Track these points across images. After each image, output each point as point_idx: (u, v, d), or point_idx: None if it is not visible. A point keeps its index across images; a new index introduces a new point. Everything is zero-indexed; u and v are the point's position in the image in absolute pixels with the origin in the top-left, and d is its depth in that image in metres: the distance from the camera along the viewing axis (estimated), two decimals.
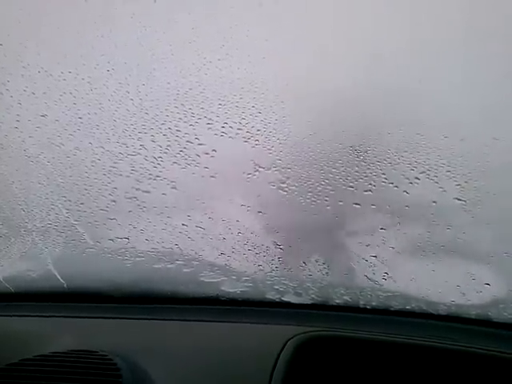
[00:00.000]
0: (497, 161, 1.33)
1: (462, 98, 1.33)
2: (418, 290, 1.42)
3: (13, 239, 1.54)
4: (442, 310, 1.41)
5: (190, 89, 1.35)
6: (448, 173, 1.34)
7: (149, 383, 1.13)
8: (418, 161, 1.35)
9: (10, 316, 1.47)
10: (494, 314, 1.38)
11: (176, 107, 1.37)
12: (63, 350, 1.20)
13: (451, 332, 1.36)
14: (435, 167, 1.34)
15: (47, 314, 1.47)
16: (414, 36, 1.32)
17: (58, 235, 1.51)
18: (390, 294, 1.44)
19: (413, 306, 1.42)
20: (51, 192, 1.47)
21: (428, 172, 1.35)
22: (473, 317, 1.39)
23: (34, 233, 1.51)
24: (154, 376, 1.15)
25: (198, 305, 1.51)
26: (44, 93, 1.38)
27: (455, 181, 1.34)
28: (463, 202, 1.35)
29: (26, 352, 1.18)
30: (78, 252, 1.53)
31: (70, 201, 1.48)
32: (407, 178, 1.37)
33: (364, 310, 1.45)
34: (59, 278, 1.51)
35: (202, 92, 1.36)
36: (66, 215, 1.49)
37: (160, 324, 1.42)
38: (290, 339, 1.28)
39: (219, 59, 1.33)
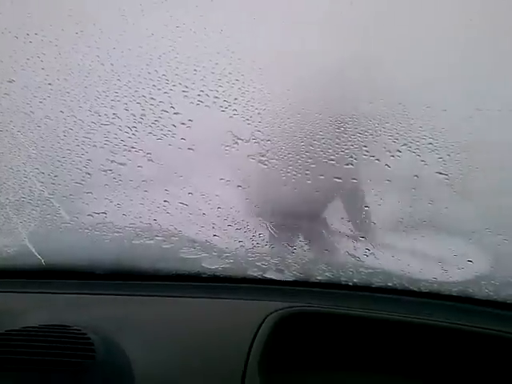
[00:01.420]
0: (480, 133, 1.31)
1: (445, 68, 1.30)
2: (399, 267, 1.42)
3: None
4: (424, 287, 1.40)
5: (164, 53, 1.30)
6: (430, 145, 1.31)
7: (123, 357, 1.12)
8: (400, 132, 1.32)
9: None
10: (475, 291, 1.37)
11: (149, 73, 1.32)
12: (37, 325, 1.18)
13: (433, 309, 1.36)
14: (417, 139, 1.32)
15: (24, 290, 1.45)
16: (397, 6, 1.28)
17: (32, 209, 1.48)
18: (371, 270, 1.44)
19: (394, 282, 1.42)
20: (23, 164, 1.43)
21: (410, 144, 1.33)
22: (454, 294, 1.39)
23: (7, 207, 1.48)
24: (130, 351, 1.14)
25: (179, 281, 1.50)
26: (10, 56, 1.32)
27: (437, 154, 1.32)
28: (445, 176, 1.33)
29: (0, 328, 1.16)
30: (54, 227, 1.50)
31: (43, 173, 1.44)
32: (389, 151, 1.34)
33: (345, 287, 1.44)
34: (36, 254, 1.48)
35: (175, 57, 1.30)
36: (40, 188, 1.45)
37: (139, 300, 1.41)
38: (269, 314, 1.28)
39: (193, 21, 1.28)
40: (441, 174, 1.33)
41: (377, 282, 1.42)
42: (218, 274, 1.48)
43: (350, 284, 1.44)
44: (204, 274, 1.48)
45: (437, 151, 1.32)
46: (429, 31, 1.28)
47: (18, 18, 1.28)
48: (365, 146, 1.35)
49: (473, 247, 1.38)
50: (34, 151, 1.41)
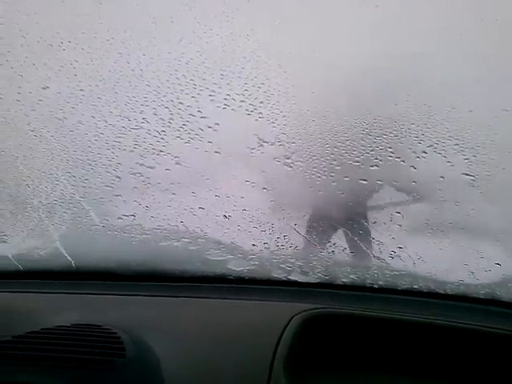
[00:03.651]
0: (506, 133, 1.29)
1: (471, 68, 1.29)
2: (425, 269, 1.40)
3: (20, 216, 1.54)
4: (450, 289, 1.38)
5: (191, 59, 1.33)
6: (456, 146, 1.31)
7: (152, 357, 1.14)
8: (426, 134, 1.31)
9: (20, 292, 1.48)
10: (502, 294, 1.35)
11: (177, 78, 1.35)
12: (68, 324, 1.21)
13: (459, 311, 1.34)
14: (443, 140, 1.31)
15: (55, 291, 1.48)
16: (421, 5, 1.28)
17: (64, 212, 1.52)
18: (396, 272, 1.42)
19: (420, 285, 1.40)
20: (56, 167, 1.47)
21: (435, 145, 1.32)
22: (481, 296, 1.37)
23: (40, 209, 1.52)
24: (158, 350, 1.16)
25: (204, 283, 1.51)
26: (45, 64, 1.36)
27: (463, 155, 1.31)
28: (472, 177, 1.32)
29: (34, 327, 1.19)
30: (84, 229, 1.53)
31: (74, 176, 1.48)
32: (414, 152, 1.34)
33: (371, 289, 1.43)
34: (67, 255, 1.52)
35: (203, 62, 1.33)
36: (72, 191, 1.49)
37: (165, 301, 1.43)
38: (295, 315, 1.28)
39: (220, 27, 1.30)
40: (467, 175, 1.32)
41: (402, 284, 1.41)
42: (243, 275, 1.48)
43: (375, 286, 1.43)
44: (229, 275, 1.49)
45: (463, 152, 1.31)
46: (454, 33, 1.28)
47: (53, 27, 1.32)
48: (390, 148, 1.35)
49: (500, 249, 1.36)
50: (65, 155, 1.45)
